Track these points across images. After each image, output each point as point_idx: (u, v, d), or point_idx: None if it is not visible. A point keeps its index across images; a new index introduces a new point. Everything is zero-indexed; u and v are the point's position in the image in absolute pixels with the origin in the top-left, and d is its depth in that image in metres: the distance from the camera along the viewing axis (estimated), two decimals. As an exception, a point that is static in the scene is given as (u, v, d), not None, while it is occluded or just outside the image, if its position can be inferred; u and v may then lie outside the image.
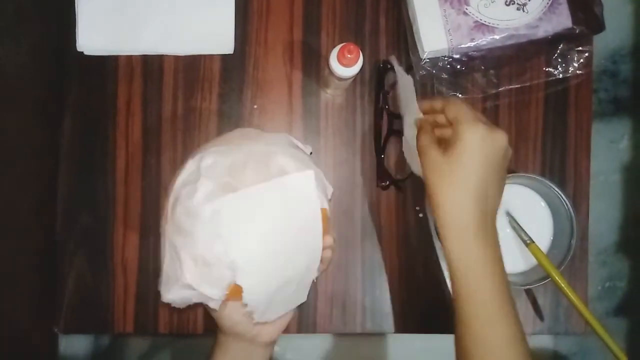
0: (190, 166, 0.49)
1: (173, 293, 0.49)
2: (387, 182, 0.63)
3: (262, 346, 0.53)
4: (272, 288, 0.48)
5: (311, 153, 0.56)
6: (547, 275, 0.58)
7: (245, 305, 0.47)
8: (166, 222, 0.49)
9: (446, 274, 0.64)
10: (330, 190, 0.55)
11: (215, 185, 0.47)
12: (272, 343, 0.54)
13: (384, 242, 0.64)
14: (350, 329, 0.64)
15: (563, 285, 0.56)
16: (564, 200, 0.58)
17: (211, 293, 0.47)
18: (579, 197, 0.65)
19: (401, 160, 0.65)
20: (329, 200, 0.54)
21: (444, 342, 0.81)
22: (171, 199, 0.49)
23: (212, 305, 0.49)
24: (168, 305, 0.63)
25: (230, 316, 0.50)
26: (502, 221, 0.62)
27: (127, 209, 0.64)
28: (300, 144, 0.55)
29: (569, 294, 0.55)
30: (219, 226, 0.46)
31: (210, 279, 0.47)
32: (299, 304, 0.52)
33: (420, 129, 0.49)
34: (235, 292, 0.47)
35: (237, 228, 0.46)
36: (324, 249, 0.51)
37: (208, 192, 0.46)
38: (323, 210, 0.50)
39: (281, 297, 0.50)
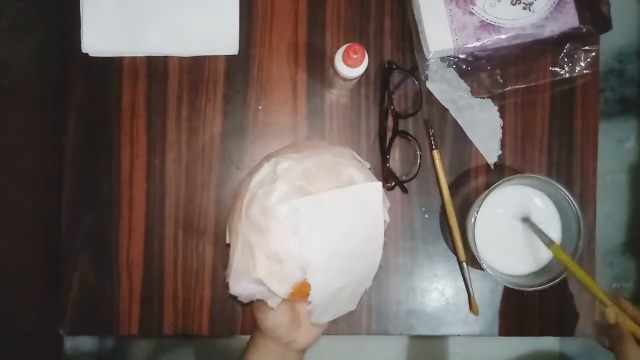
0: (266, 169, 0.53)
1: (242, 287, 0.52)
2: (393, 183, 0.63)
3: (295, 352, 0.54)
4: (333, 291, 0.51)
5: (370, 168, 0.59)
6: (555, 277, 0.57)
7: (309, 303, 0.50)
8: (239, 220, 0.52)
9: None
10: (388, 204, 0.57)
11: (291, 188, 0.50)
12: (305, 350, 0.56)
13: (390, 244, 0.64)
14: (356, 330, 0.64)
15: (591, 284, 0.54)
16: (571, 201, 0.58)
17: (277, 289, 0.50)
18: (585, 198, 0.65)
19: (407, 161, 0.64)
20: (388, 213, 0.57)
21: (450, 344, 0.80)
22: (246, 198, 0.52)
23: (271, 303, 0.52)
24: (173, 306, 0.63)
25: (274, 319, 0.52)
26: (515, 225, 0.61)
27: (131, 210, 0.64)
28: (361, 159, 0.58)
29: (597, 291, 0.53)
30: (294, 225, 0.49)
31: (281, 275, 0.50)
32: (349, 310, 0.55)
33: (620, 329, 0.50)
34: (299, 291, 0.50)
35: (310, 228, 0.50)
36: None
37: (284, 193, 0.50)
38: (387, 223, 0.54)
39: (337, 301, 0.53)
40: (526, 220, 0.60)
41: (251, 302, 0.55)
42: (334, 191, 0.50)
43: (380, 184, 0.52)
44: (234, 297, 0.54)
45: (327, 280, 0.51)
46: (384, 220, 0.54)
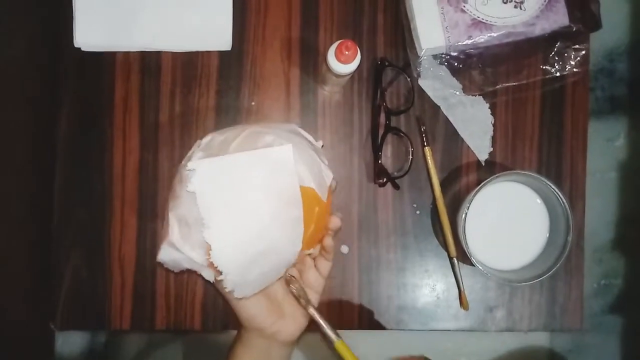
0: (195, 146, 0.54)
1: (163, 253, 0.51)
2: (385, 179, 0.63)
3: (282, 345, 0.54)
4: (246, 257, 0.49)
5: (322, 146, 0.58)
6: (544, 272, 0.58)
7: (219, 271, 0.48)
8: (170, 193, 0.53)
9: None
10: (329, 176, 0.55)
11: (205, 156, 0.50)
12: (292, 343, 0.55)
13: (381, 239, 0.64)
14: (346, 325, 0.64)
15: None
16: (560, 198, 0.58)
17: (193, 256, 0.50)
18: (575, 195, 0.66)
19: (398, 158, 0.65)
20: (332, 189, 0.55)
21: (441, 339, 0.81)
22: (177, 176, 0.53)
23: (206, 276, 0.51)
24: (165, 301, 0.63)
25: (248, 307, 0.51)
26: (505, 221, 0.62)
27: (123, 205, 0.64)
28: (309, 136, 0.56)
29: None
30: (201, 188, 0.48)
31: (192, 240, 0.50)
32: (277, 279, 0.53)
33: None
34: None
35: (210, 190, 0.48)
36: (328, 231, 0.53)
37: (196, 158, 0.50)
38: (307, 188, 0.51)
39: (259, 271, 0.50)
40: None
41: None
42: (237, 154, 0.49)
43: (290, 145, 0.50)
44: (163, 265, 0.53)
45: (235, 243, 0.49)
46: (328, 175, 0.53)
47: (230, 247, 0.49)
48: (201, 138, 0.54)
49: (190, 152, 0.54)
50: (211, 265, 0.49)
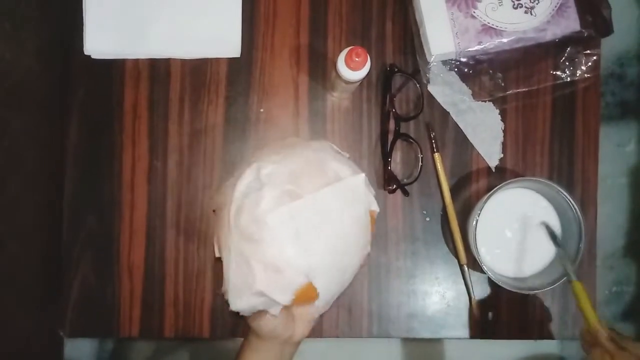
0: (249, 175, 0.51)
1: (244, 301, 0.50)
2: (394, 186, 0.63)
3: (294, 345, 0.55)
4: (336, 286, 0.53)
5: (349, 157, 0.59)
6: (556, 280, 0.57)
7: (313, 304, 0.52)
8: (228, 232, 0.51)
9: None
10: (373, 192, 0.57)
11: (280, 193, 0.49)
12: (301, 341, 0.56)
13: (391, 246, 0.64)
14: (356, 333, 0.64)
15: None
16: (572, 204, 0.58)
17: (280, 299, 0.49)
18: (586, 201, 0.65)
19: (408, 164, 0.64)
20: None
21: (451, 347, 0.80)
22: (233, 208, 0.50)
23: (273, 311, 0.51)
24: (174, 309, 0.63)
25: (271, 322, 0.52)
26: (516, 228, 0.61)
27: (133, 212, 0.64)
28: (339, 149, 0.58)
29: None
30: (289, 232, 0.48)
31: (282, 284, 0.49)
32: (344, 288, 0.56)
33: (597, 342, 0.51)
34: (303, 295, 0.50)
35: (306, 233, 0.49)
36: None
37: (273, 199, 0.49)
38: (372, 211, 0.55)
39: (338, 291, 0.55)
40: (551, 234, 0.60)
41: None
42: (324, 190, 0.50)
43: (363, 175, 0.53)
44: (236, 313, 0.52)
45: (331, 279, 0.51)
46: (374, 210, 0.55)
47: (330, 286, 0.51)
48: (249, 165, 0.52)
49: (243, 181, 0.51)
50: (297, 303, 0.51)
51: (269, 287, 0.49)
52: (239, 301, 0.50)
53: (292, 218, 0.49)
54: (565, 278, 0.56)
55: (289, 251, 0.49)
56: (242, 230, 0.49)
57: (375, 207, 0.56)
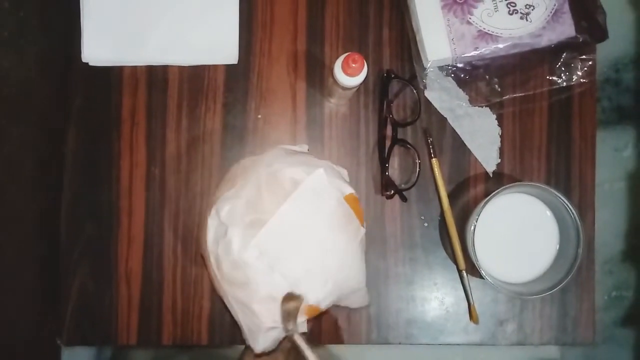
0: (212, 223, 0.51)
1: (263, 342, 0.50)
2: (392, 192, 0.63)
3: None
4: (337, 283, 0.51)
5: (308, 150, 0.58)
6: (555, 285, 0.57)
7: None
8: (219, 283, 0.51)
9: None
10: (344, 172, 0.56)
11: (244, 228, 0.48)
12: None
13: (389, 252, 0.64)
14: (355, 340, 0.63)
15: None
16: (570, 209, 0.58)
17: (293, 326, 0.49)
18: (584, 206, 0.65)
19: (406, 170, 0.64)
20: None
21: (451, 353, 0.80)
22: (212, 261, 0.50)
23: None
24: (172, 316, 0.63)
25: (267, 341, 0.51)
26: (514, 233, 0.61)
27: (130, 220, 0.63)
28: (295, 147, 0.57)
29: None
30: (269, 261, 0.47)
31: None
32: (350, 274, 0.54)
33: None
34: (311, 311, 0.50)
35: (284, 254, 0.48)
36: None
37: (241, 238, 0.48)
38: (348, 195, 0.52)
39: (341, 282, 0.52)
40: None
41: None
42: (284, 206, 0.48)
43: (320, 170, 0.51)
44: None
45: (323, 281, 0.50)
46: (349, 193, 0.53)
47: (323, 286, 0.50)
48: (209, 213, 0.51)
49: (210, 230, 0.51)
50: (310, 317, 0.51)
51: (277, 319, 0.49)
52: (259, 344, 0.50)
53: (265, 247, 0.48)
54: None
55: (276, 279, 0.48)
56: (228, 278, 0.50)
57: (348, 190, 0.53)
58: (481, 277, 0.57)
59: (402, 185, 0.64)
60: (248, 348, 0.53)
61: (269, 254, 0.48)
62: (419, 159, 0.62)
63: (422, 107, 0.64)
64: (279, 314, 0.49)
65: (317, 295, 0.50)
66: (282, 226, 0.48)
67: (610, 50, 0.75)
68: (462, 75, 0.62)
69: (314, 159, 0.54)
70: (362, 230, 0.54)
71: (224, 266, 0.49)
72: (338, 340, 0.63)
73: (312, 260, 0.49)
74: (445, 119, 0.65)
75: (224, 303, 0.55)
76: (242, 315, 0.50)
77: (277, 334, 0.50)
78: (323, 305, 0.51)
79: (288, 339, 0.50)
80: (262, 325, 0.49)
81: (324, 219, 0.50)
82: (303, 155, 0.55)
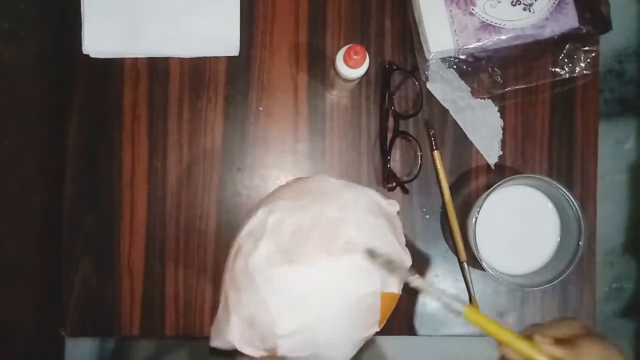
0: (258, 217, 0.48)
1: (218, 342, 0.49)
2: (394, 184, 0.63)
3: None
4: (308, 352, 0.47)
5: (398, 212, 0.53)
6: (556, 277, 0.57)
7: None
8: (226, 269, 0.49)
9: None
10: (409, 261, 0.50)
11: (275, 250, 0.45)
12: None
13: (391, 244, 0.64)
14: (357, 331, 0.64)
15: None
16: (572, 201, 0.58)
17: (250, 352, 0.47)
18: (586, 198, 0.65)
19: (407, 162, 0.64)
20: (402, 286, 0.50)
21: (452, 344, 0.80)
22: (235, 247, 0.48)
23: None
24: (175, 308, 0.63)
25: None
26: (515, 225, 0.61)
27: (133, 212, 0.64)
28: (384, 202, 0.52)
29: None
30: (269, 296, 0.45)
31: (253, 340, 0.46)
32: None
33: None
34: (273, 356, 0.47)
35: (288, 302, 0.45)
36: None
37: (266, 254, 0.45)
38: (386, 294, 0.47)
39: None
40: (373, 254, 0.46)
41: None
42: (321, 264, 0.45)
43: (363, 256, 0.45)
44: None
45: (305, 348, 0.46)
46: (390, 292, 0.47)
47: (300, 351, 0.46)
48: (265, 204, 0.48)
49: (253, 221, 0.48)
50: (269, 356, 0.47)
51: (240, 339, 0.47)
52: (215, 341, 0.49)
53: (276, 284, 0.45)
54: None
55: (264, 315, 0.45)
56: (233, 274, 0.48)
57: (392, 289, 0.48)
58: (482, 268, 0.58)
59: (404, 178, 0.64)
60: None
61: (274, 292, 0.45)
62: (420, 151, 0.62)
63: (424, 99, 0.63)
64: (245, 339, 0.46)
65: (293, 352, 0.46)
66: (306, 279, 0.45)
67: (614, 42, 0.75)
68: (465, 67, 0.62)
69: (388, 232, 0.49)
70: (375, 329, 0.48)
71: (238, 262, 0.47)
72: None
73: (307, 329, 0.45)
74: (447, 110, 0.64)
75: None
76: (222, 309, 0.49)
77: (231, 347, 0.48)
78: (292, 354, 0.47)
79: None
80: (226, 333, 0.47)
81: (345, 303, 0.45)
82: (381, 219, 0.49)
